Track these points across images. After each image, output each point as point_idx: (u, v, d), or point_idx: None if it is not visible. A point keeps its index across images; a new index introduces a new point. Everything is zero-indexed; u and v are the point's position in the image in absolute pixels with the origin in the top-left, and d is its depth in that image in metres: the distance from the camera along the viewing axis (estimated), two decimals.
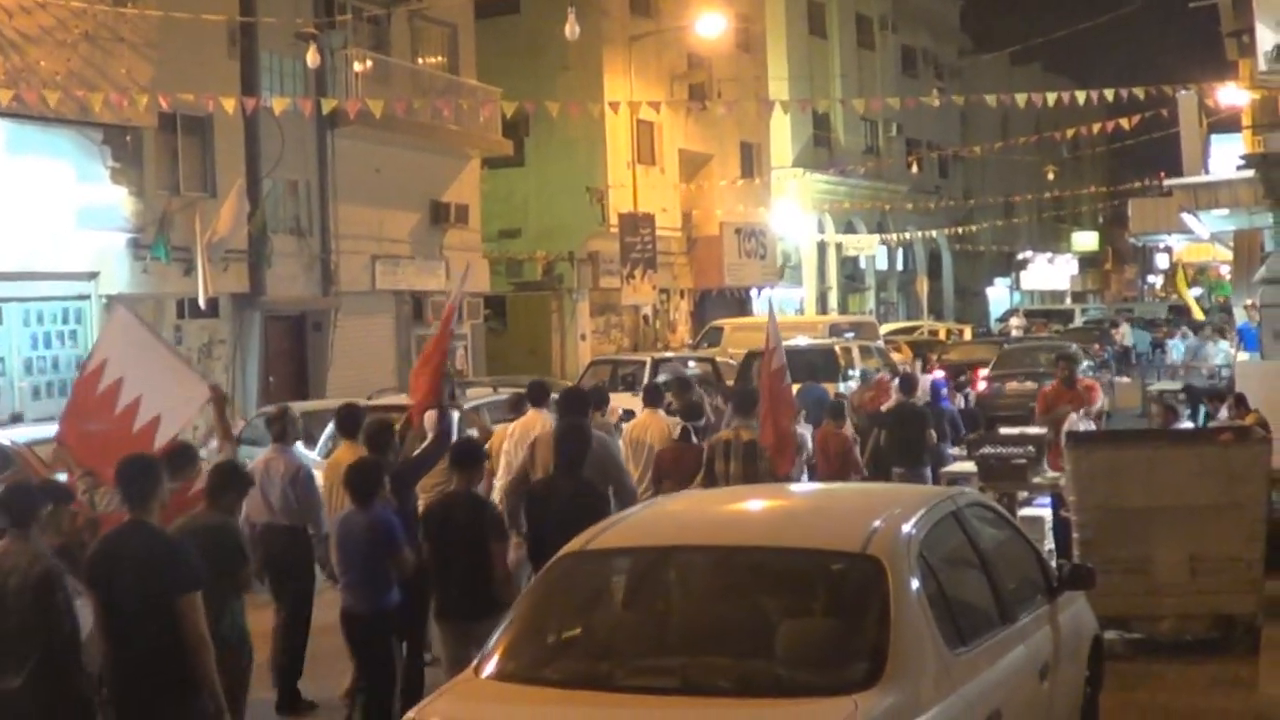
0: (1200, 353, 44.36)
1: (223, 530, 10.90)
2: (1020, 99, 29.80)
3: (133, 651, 9.29)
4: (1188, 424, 23.25)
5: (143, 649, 9.23)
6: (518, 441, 16.32)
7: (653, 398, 18.57)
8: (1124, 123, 34.06)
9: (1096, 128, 36.16)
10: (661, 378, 27.48)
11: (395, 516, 12.23)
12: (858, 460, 20.28)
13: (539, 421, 16.36)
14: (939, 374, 31.09)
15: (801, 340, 35.18)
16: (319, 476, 15.21)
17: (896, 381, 23.60)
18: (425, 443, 14.10)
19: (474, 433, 17.43)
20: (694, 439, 16.96)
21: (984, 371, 37.69)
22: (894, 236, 74.02)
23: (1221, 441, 15.44)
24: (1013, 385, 35.97)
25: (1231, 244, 31.79)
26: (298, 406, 26.69)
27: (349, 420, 15.37)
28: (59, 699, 9.20)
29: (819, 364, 31.43)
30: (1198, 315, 52.95)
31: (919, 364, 34.65)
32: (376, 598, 12.03)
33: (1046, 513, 18.56)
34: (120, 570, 9.36)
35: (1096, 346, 47.73)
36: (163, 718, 9.34)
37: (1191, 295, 54.65)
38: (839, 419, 20.54)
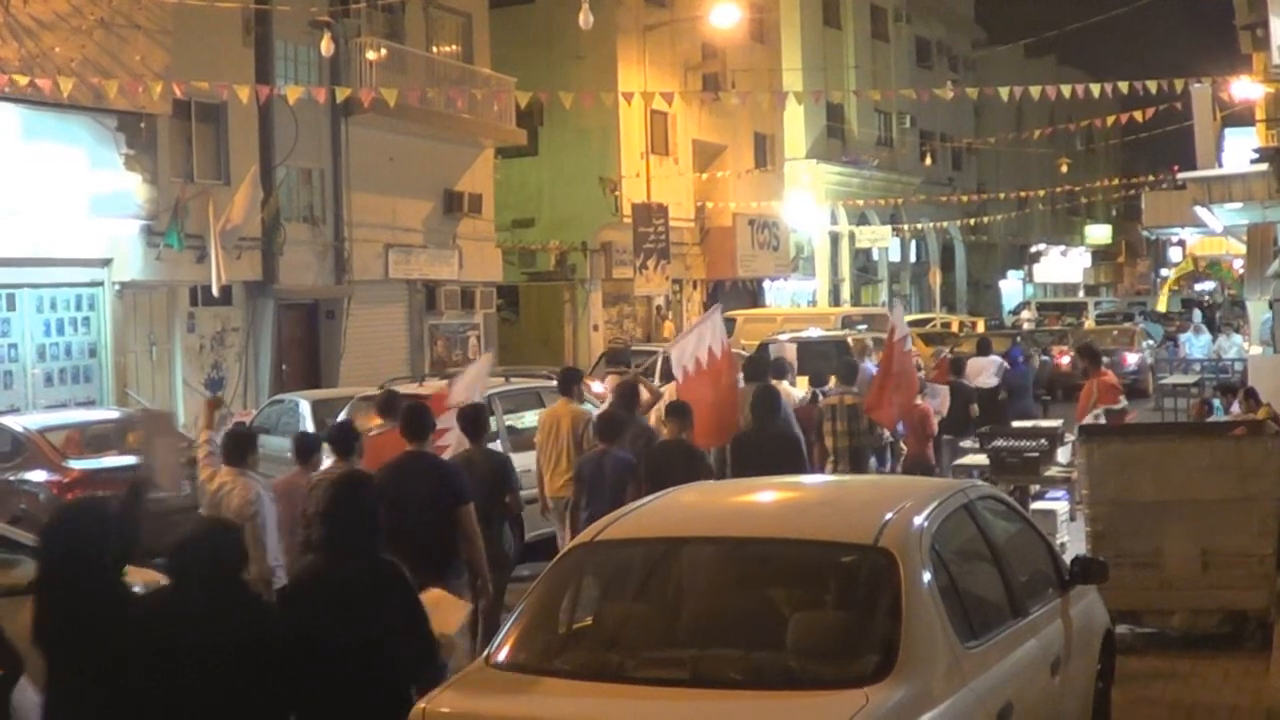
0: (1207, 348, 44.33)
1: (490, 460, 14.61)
2: (1034, 91, 29.75)
3: (419, 546, 11.00)
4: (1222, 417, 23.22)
5: (428, 544, 11.15)
6: (548, 431, 18.04)
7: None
8: (1137, 115, 34.01)
9: (1110, 120, 36.03)
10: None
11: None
12: (933, 429, 22.05)
13: (567, 411, 18.06)
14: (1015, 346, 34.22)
15: (814, 332, 35.18)
16: None
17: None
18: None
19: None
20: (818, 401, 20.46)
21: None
22: (907, 228, 73.95)
23: (1234, 436, 15.42)
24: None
25: (1245, 238, 31.71)
26: (312, 395, 26.88)
27: (570, 379, 19.00)
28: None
29: (832, 355, 31.42)
30: (1160, 307, 52.88)
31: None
32: None
33: (1059, 505, 18.63)
34: (414, 485, 12.46)
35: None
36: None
37: (1170, 289, 54.65)
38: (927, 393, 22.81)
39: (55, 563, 8.48)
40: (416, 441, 13.37)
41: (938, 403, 22.88)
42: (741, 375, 19.55)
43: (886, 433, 21.07)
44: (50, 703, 8.43)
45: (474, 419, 14.94)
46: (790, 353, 29.83)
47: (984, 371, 27.17)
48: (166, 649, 7.98)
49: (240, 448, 13.47)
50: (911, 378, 21.17)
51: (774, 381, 19.61)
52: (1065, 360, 43.08)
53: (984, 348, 28.82)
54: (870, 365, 23.95)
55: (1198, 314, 56.51)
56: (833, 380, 21.52)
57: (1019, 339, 40.78)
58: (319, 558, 9.21)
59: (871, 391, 20.19)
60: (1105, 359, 26.55)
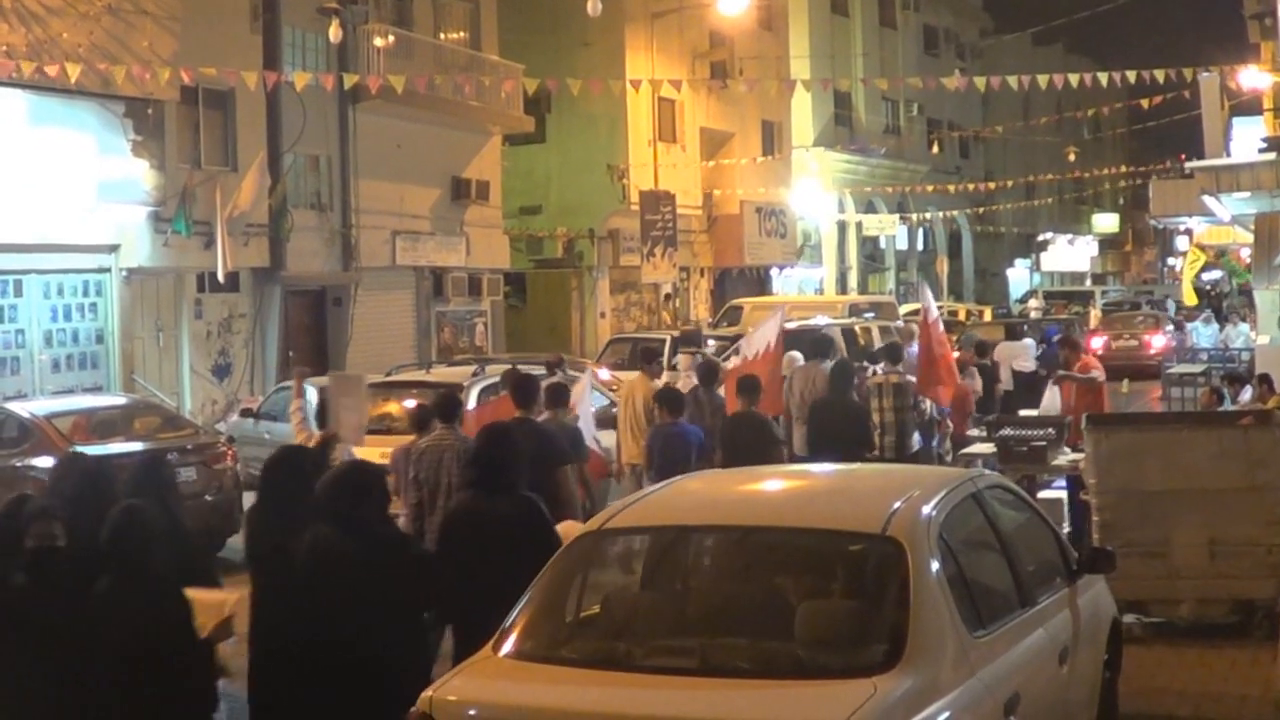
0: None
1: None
2: (1042, 80, 29.69)
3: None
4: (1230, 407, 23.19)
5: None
6: (626, 402, 20.22)
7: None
8: (1145, 104, 33.94)
9: (1119, 105, 35.99)
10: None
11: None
12: (972, 407, 23.95)
13: (642, 385, 20.04)
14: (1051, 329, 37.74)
15: (821, 319, 35.16)
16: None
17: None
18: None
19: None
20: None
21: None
22: (914, 216, 73.94)
23: (1242, 425, 15.39)
24: (1119, 343, 48.17)
25: (1252, 227, 31.63)
26: (320, 381, 26.86)
27: (648, 356, 21.43)
28: None
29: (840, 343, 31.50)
30: (1189, 301, 52.87)
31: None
32: None
33: (1063, 494, 18.65)
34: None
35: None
36: None
37: (1192, 282, 54.48)
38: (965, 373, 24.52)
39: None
40: (524, 409, 14.99)
41: (975, 383, 24.96)
42: (800, 354, 22.70)
43: (929, 405, 22.02)
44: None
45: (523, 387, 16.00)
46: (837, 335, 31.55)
47: (1020, 356, 27.89)
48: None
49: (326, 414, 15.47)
50: (949, 358, 22.95)
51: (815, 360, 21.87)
52: (1095, 342, 45.64)
53: (1015, 333, 29.68)
54: (915, 349, 24.39)
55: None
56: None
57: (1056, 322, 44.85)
58: (473, 494, 10.69)
59: (920, 373, 21.76)
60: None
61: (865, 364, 23.44)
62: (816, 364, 21.22)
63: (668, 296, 55.81)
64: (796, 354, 22.80)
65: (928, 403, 21.87)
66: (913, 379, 21.17)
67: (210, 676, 9.37)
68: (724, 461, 16.41)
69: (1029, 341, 28.91)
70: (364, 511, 9.48)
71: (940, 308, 57.45)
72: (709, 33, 56.39)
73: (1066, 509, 18.07)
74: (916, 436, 21.00)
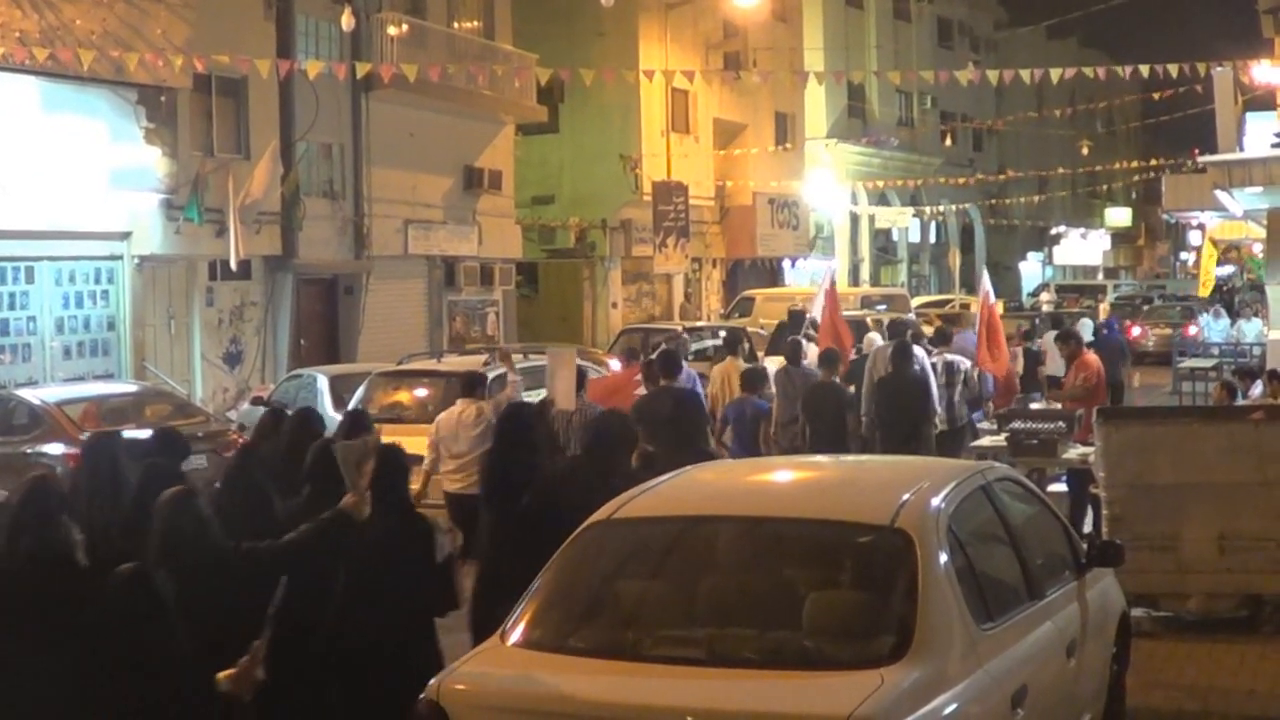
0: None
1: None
2: (1055, 73, 29.65)
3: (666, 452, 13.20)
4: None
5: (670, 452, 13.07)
6: (720, 383, 22.43)
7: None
8: (1156, 97, 33.87)
9: (1132, 99, 35.95)
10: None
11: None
12: (1017, 386, 25.73)
13: (734, 368, 22.49)
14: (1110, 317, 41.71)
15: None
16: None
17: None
18: None
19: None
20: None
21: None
22: (927, 209, 73.84)
23: (1253, 420, 15.38)
24: (1156, 331, 53.19)
25: (1265, 222, 31.57)
26: (330, 370, 26.89)
27: (736, 339, 25.34)
28: None
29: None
30: (1203, 292, 52.86)
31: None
32: None
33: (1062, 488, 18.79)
34: (660, 408, 16.71)
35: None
36: None
37: (1207, 275, 54.33)
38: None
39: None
40: (667, 378, 18.08)
41: (1016, 364, 26.91)
42: (879, 336, 26.20)
43: (977, 380, 24.05)
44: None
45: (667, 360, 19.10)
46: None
47: None
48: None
49: (472, 385, 17.89)
50: (1001, 337, 25.13)
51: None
52: (1136, 331, 51.36)
53: (1061, 321, 32.55)
54: (970, 334, 26.55)
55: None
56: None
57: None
58: (664, 449, 13.33)
59: (981, 352, 24.15)
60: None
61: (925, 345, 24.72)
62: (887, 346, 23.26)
63: (687, 295, 55.85)
64: (875, 335, 26.46)
65: (977, 378, 23.97)
66: (957, 358, 23.14)
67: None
68: (807, 423, 19.80)
69: (1087, 323, 31.45)
70: (618, 458, 11.49)
71: (950, 301, 57.88)
72: (723, 23, 56.33)
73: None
74: (965, 409, 23.04)
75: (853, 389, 21.81)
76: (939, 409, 21.62)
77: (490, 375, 19.77)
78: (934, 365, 22.15)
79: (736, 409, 19.72)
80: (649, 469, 11.42)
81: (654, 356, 20.84)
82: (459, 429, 17.29)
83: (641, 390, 18.77)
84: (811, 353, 23.30)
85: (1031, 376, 27.62)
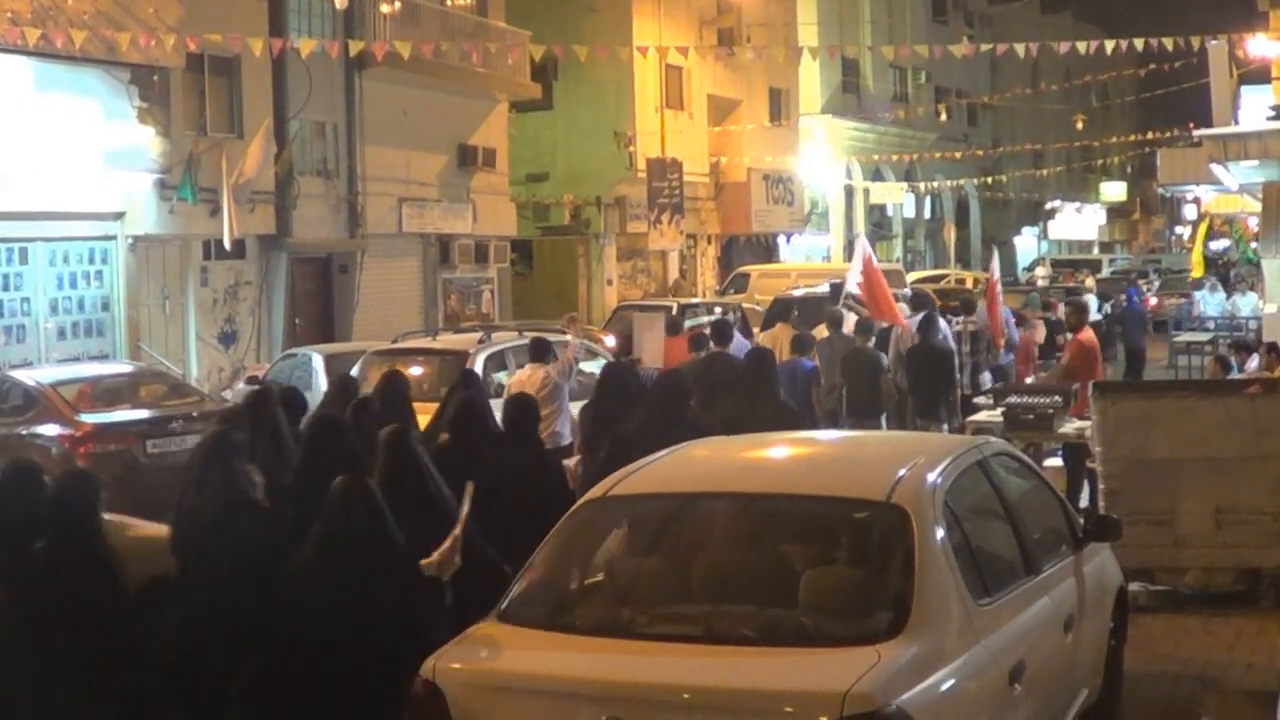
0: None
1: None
2: (1050, 48, 29.64)
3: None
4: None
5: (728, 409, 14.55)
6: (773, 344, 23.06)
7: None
8: (1151, 69, 33.84)
9: (1128, 73, 35.91)
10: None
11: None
12: (1034, 353, 27.31)
13: (785, 333, 23.73)
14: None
15: (827, 287, 35.09)
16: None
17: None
18: None
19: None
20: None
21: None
22: (922, 185, 73.79)
23: (1249, 393, 15.37)
24: (1170, 300, 53.48)
25: (1260, 196, 31.55)
26: (325, 349, 26.85)
27: (784, 308, 28.42)
28: None
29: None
30: (1196, 273, 52.84)
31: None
32: None
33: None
34: (719, 371, 17.36)
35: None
36: None
37: (1202, 250, 54.40)
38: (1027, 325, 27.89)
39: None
40: (721, 345, 19.32)
41: (1036, 333, 28.20)
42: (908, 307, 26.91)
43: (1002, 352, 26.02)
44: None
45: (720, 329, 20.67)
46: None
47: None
48: None
49: (541, 351, 19.04)
50: (997, 311, 26.40)
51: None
52: (1153, 301, 53.14)
53: (1076, 292, 33.90)
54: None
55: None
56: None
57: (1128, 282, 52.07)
58: (742, 405, 14.72)
59: (995, 325, 25.88)
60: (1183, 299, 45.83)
61: (949, 316, 26.28)
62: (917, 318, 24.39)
63: (682, 272, 55.83)
64: (904, 306, 27.17)
65: (1001, 349, 25.99)
66: (982, 327, 25.59)
67: None
68: (846, 384, 21.70)
69: (1091, 298, 32.01)
70: (680, 410, 13.43)
71: (946, 276, 57.88)
72: None
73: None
74: (987, 375, 25.28)
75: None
76: (964, 374, 23.74)
77: (486, 353, 20.37)
78: (958, 334, 24.66)
79: (788, 370, 20.24)
80: (732, 428, 12.29)
81: (707, 327, 22.87)
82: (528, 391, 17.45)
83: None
84: (849, 322, 24.41)
85: (1051, 345, 29.56)
